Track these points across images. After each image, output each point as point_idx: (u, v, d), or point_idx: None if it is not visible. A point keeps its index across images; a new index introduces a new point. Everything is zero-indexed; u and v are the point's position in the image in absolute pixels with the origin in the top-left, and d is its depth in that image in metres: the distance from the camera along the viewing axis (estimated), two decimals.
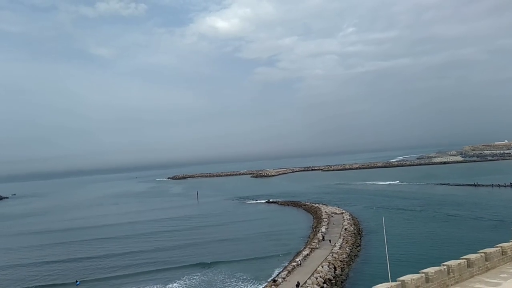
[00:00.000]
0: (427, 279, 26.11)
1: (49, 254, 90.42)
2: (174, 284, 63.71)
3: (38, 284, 68.17)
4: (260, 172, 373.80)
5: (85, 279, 68.45)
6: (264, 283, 60.01)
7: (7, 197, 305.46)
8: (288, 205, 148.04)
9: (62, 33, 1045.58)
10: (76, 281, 69.42)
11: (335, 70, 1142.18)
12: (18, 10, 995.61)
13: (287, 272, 60.65)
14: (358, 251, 74.16)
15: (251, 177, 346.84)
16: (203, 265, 70.98)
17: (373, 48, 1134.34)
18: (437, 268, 27.21)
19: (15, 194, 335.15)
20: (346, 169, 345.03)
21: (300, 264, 64.14)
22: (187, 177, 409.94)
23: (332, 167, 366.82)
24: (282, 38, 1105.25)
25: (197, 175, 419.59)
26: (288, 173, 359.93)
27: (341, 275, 60.38)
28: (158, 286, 63.31)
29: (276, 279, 57.92)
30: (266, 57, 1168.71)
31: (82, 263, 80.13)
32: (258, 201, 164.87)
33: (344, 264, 64.86)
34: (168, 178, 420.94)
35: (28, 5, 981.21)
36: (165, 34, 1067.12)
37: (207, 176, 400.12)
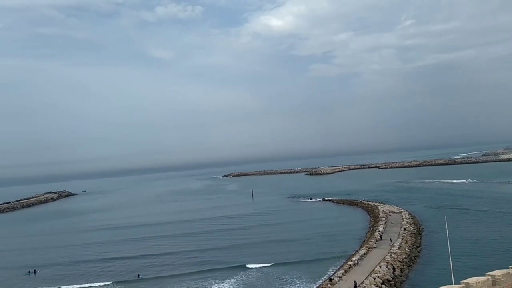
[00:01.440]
0: (494, 282, 24.74)
1: (110, 251, 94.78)
2: (232, 280, 65.03)
3: (102, 281, 71.44)
4: (315, 169, 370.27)
5: (145, 277, 70.80)
6: (319, 281, 59.67)
7: (76, 194, 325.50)
8: (343, 203, 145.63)
9: (124, 37, 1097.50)
10: (138, 275, 72.79)
11: (393, 64, 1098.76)
12: (84, 17, 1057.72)
13: (343, 271, 59.81)
14: (418, 251, 71.53)
15: (306, 175, 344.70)
16: (258, 265, 71.27)
17: (433, 41, 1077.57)
18: (505, 270, 25.70)
19: (85, 191, 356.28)
20: (404, 167, 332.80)
21: (357, 264, 62.97)
22: (242, 175, 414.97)
23: (390, 165, 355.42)
24: (337, 33, 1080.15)
25: (252, 172, 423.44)
26: (343, 171, 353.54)
27: (400, 276, 58.57)
28: (216, 281, 64.99)
29: (332, 278, 57.32)
30: (320, 54, 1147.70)
31: (142, 260, 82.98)
32: (313, 199, 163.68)
33: (403, 265, 62.80)
34: (224, 176, 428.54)
35: (93, 12, 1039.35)
36: (221, 34, 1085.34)
37: (261, 174, 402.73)
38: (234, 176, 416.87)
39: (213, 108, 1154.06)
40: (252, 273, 67.40)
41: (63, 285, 69.83)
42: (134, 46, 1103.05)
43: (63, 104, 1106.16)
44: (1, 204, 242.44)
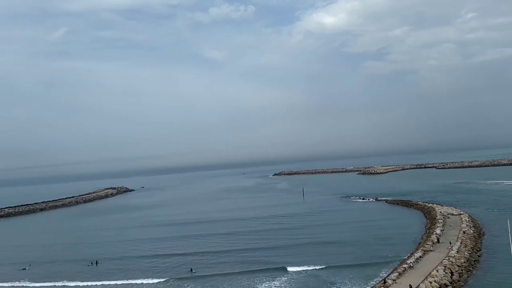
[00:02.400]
0: None
1: (164, 247, 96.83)
2: (283, 278, 65.39)
3: (157, 276, 72.98)
4: (368, 169, 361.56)
5: (198, 274, 71.62)
6: (372, 284, 58.59)
7: (133, 190, 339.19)
8: (398, 204, 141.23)
9: (180, 39, 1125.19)
10: (191, 269, 74.87)
11: (452, 60, 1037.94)
12: (142, 20, 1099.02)
13: (397, 274, 58.25)
14: (478, 256, 68.04)
15: (358, 174, 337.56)
16: (309, 266, 70.48)
17: (497, 34, 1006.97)
18: None
19: (143, 187, 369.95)
20: (464, 167, 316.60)
21: (412, 267, 61.09)
22: (293, 174, 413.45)
23: (448, 165, 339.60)
24: (392, 29, 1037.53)
25: (303, 171, 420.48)
26: (398, 170, 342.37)
27: (458, 281, 56.09)
28: (267, 279, 65.58)
29: (386, 280, 56.03)
30: (374, 50, 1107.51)
31: (194, 257, 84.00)
32: (366, 200, 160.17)
33: (462, 269, 60.04)
34: (274, 174, 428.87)
35: (150, 14, 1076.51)
36: (273, 34, 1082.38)
37: (312, 173, 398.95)
38: (284, 174, 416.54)
39: (264, 107, 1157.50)
40: (303, 274, 66.95)
41: (122, 280, 72.30)
42: (189, 47, 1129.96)
43: (122, 104, 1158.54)
44: (65, 198, 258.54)
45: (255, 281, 65.31)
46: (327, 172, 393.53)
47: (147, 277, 72.33)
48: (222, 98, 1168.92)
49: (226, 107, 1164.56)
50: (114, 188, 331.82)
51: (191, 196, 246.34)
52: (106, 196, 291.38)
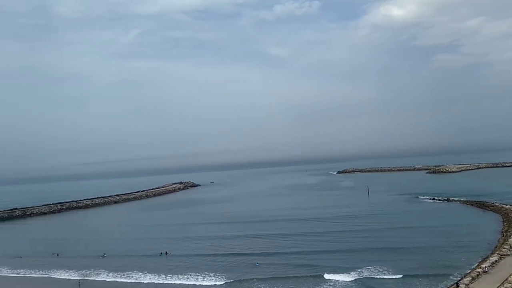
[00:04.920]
0: None
1: (225, 245, 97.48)
2: (347, 282, 64.58)
3: (219, 275, 73.49)
4: (438, 167, 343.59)
5: (261, 277, 70.03)
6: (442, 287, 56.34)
7: (199, 185, 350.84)
8: (471, 205, 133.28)
9: (244, 37, 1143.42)
10: (257, 263, 76.27)
11: None
12: (209, 19, 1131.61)
13: (470, 278, 55.38)
14: None
15: (427, 173, 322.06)
16: (372, 272, 67.90)
17: None
18: None
19: (213, 182, 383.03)
20: None
21: (487, 271, 57.71)
22: (357, 171, 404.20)
23: None
24: (466, 20, 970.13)
25: (368, 169, 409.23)
26: (472, 169, 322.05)
27: None
28: (326, 285, 64.87)
29: (458, 284, 53.50)
30: (446, 43, 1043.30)
31: (257, 257, 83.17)
32: (436, 200, 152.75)
33: None
34: (338, 172, 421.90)
35: (217, 14, 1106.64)
36: (338, 29, 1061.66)
37: (378, 171, 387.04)
38: (349, 172, 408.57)
39: (329, 104, 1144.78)
40: (364, 281, 64.38)
41: (188, 274, 74.19)
42: (253, 45, 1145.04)
43: (188, 104, 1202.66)
44: (136, 192, 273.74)
45: (319, 284, 64.22)
46: (393, 171, 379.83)
47: (211, 275, 72.98)
48: (286, 95, 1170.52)
49: (289, 104, 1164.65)
50: (181, 183, 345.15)
51: (254, 193, 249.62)
52: (174, 190, 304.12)
